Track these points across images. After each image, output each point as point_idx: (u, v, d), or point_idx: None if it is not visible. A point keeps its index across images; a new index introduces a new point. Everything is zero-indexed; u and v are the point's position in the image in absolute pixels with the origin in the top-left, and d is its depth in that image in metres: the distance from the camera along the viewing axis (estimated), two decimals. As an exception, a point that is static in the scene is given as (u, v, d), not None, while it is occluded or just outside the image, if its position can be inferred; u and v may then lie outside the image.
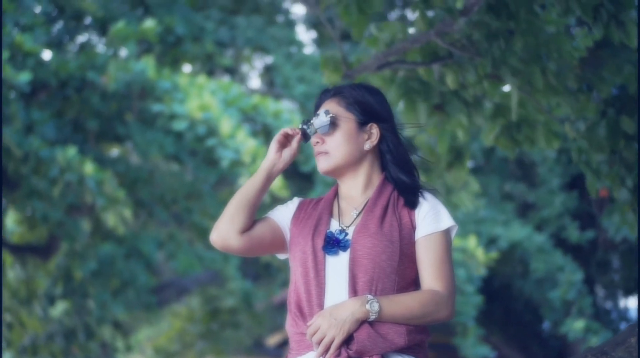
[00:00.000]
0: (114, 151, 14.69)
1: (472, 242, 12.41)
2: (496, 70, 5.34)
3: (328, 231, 3.04)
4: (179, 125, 12.38)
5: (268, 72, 16.41)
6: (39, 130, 12.15)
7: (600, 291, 15.40)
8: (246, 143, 11.57)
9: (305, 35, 17.15)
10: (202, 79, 12.91)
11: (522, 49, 5.42)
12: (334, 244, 3.00)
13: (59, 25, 13.69)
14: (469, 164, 15.08)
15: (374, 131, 3.11)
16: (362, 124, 3.11)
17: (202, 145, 12.40)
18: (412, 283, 3.01)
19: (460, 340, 12.57)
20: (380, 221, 2.99)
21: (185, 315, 17.15)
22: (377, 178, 3.13)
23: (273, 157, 3.15)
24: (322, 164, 3.13)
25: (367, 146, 3.10)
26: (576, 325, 13.09)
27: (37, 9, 12.87)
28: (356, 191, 3.12)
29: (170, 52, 14.56)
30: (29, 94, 12.27)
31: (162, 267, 16.10)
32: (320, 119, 3.10)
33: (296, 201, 3.22)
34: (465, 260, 12.40)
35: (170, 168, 13.60)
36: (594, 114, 5.65)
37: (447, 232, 3.03)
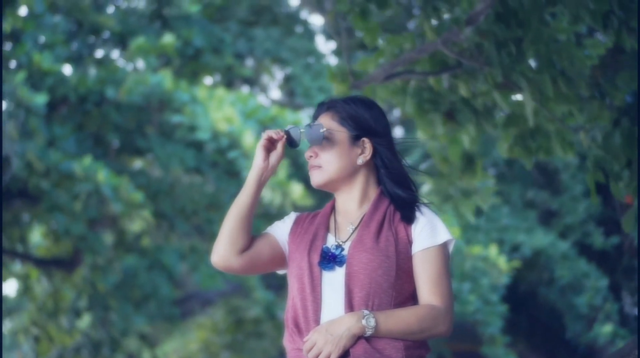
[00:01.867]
0: (136, 164, 14.75)
1: (493, 251, 12.36)
2: (507, 79, 5.32)
3: (324, 246, 3.02)
4: (203, 135, 12.40)
5: (288, 83, 16.43)
6: (60, 145, 12.22)
7: (626, 298, 15.28)
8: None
9: (324, 45, 17.17)
10: (220, 91, 12.94)
11: (533, 57, 5.40)
12: (330, 259, 2.98)
13: (78, 41, 13.76)
14: (493, 171, 15.07)
15: (367, 145, 3.10)
16: (355, 138, 3.09)
17: (223, 157, 12.44)
18: (409, 298, 2.99)
19: (488, 349, 12.51)
20: (376, 236, 2.98)
21: (210, 326, 17.15)
22: (373, 192, 3.11)
23: (261, 164, 3.13)
24: (315, 178, 3.12)
25: (360, 160, 3.09)
26: (604, 330, 13.00)
27: (57, 27, 12.95)
28: (352, 205, 3.10)
29: (189, 64, 14.62)
30: (50, 109, 12.35)
31: (185, 279, 16.13)
32: (314, 133, 3.08)
33: (293, 215, 3.21)
34: (487, 269, 12.35)
35: (191, 179, 13.64)
36: (608, 121, 5.61)
37: (444, 246, 3.01)
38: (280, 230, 3.18)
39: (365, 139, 3.10)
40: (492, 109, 6.01)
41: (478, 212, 13.44)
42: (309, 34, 16.36)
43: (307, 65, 14.97)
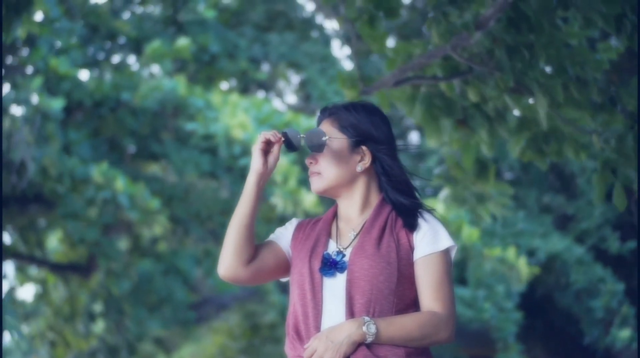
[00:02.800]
0: (152, 170, 14.78)
1: (511, 253, 12.31)
2: (518, 84, 5.29)
3: (325, 252, 3.01)
4: (219, 140, 12.41)
5: (303, 88, 16.44)
6: (75, 150, 12.27)
7: (644, 303, 15.20)
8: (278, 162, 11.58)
9: (340, 50, 17.17)
10: (234, 96, 12.95)
11: (545, 62, 5.37)
12: (331, 266, 2.97)
13: (94, 46, 13.82)
14: (509, 175, 15.03)
15: (367, 153, 3.08)
16: (355, 145, 3.08)
17: (237, 163, 12.45)
18: (411, 304, 2.97)
19: (502, 356, 12.47)
20: (378, 243, 2.97)
21: (226, 330, 17.16)
22: (374, 199, 3.10)
23: (261, 168, 3.09)
24: (314, 185, 3.11)
25: (359, 168, 3.08)
26: (622, 335, 12.95)
27: (73, 32, 13.00)
28: (353, 212, 3.10)
29: (204, 69, 14.64)
30: (65, 114, 12.39)
31: (201, 284, 16.15)
32: (315, 140, 3.07)
33: (294, 222, 3.21)
34: (505, 272, 12.30)
35: (206, 184, 13.66)
36: (621, 125, 5.58)
37: (446, 252, 3.00)
38: (284, 237, 3.17)
39: (365, 147, 3.09)
40: (504, 114, 5.98)
41: (494, 216, 13.41)
42: (325, 38, 16.37)
43: (322, 69, 14.97)
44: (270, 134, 3.08)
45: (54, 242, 15.11)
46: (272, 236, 3.19)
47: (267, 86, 16.99)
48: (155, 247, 13.63)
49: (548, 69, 5.45)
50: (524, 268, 12.13)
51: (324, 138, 3.06)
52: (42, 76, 11.73)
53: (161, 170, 14.76)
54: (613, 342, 13.22)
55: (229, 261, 3.06)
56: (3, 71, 12.03)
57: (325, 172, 3.08)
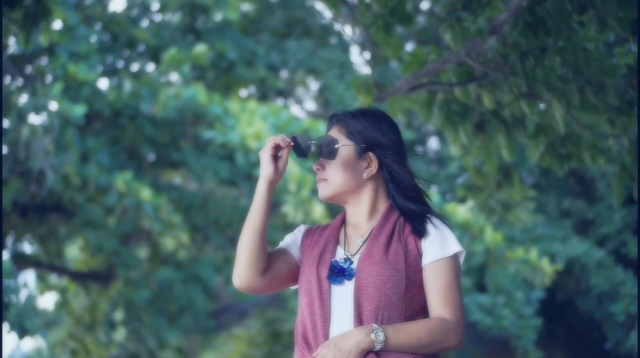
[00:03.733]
0: (170, 178, 14.82)
1: (533, 254, 12.24)
2: (532, 88, 5.27)
3: (333, 259, 3.00)
4: (239, 157, 12.44)
5: (322, 94, 16.44)
6: (94, 158, 12.31)
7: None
8: (291, 170, 11.60)
9: (360, 56, 17.16)
10: (252, 104, 12.97)
11: (560, 66, 5.35)
12: (338, 273, 2.96)
13: (112, 54, 13.87)
14: (530, 180, 14.97)
15: (373, 159, 3.08)
16: (362, 152, 3.08)
17: (255, 170, 12.47)
18: (420, 310, 2.96)
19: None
20: (385, 249, 2.96)
21: (247, 338, 17.16)
22: (382, 205, 3.09)
23: (271, 175, 3.06)
24: (321, 192, 3.10)
25: (366, 174, 3.07)
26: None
27: (92, 38, 13.06)
28: (362, 218, 3.09)
29: (222, 77, 14.67)
30: (84, 123, 12.44)
31: (220, 291, 16.17)
32: (328, 147, 3.06)
33: (302, 228, 3.20)
34: (528, 274, 12.23)
35: (225, 192, 13.68)
36: (637, 127, 5.55)
37: (454, 258, 2.98)
38: (294, 244, 3.16)
39: (372, 154, 3.08)
40: (521, 119, 5.95)
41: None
42: (343, 45, 16.37)
43: (340, 75, 14.96)
44: (279, 139, 3.06)
45: (74, 251, 15.18)
46: (282, 244, 3.18)
47: (286, 92, 17.01)
48: (175, 255, 13.64)
49: (564, 73, 5.42)
50: (547, 269, 12.04)
51: (336, 146, 3.06)
52: (62, 82, 11.79)
53: (181, 178, 14.80)
54: (633, 346, 13.15)
55: (244, 271, 3.04)
56: (21, 79, 12.09)
57: (332, 179, 3.08)
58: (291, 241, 3.17)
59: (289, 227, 11.54)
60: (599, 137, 5.76)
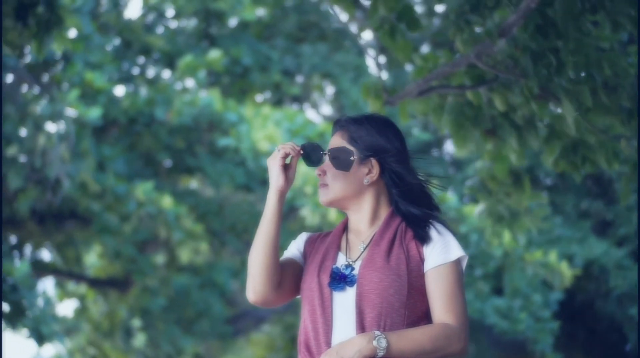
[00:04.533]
0: (186, 184, 14.84)
1: (552, 256, 12.18)
2: (543, 90, 5.23)
3: (334, 266, 2.98)
4: (249, 161, 12.44)
5: (338, 98, 16.43)
6: (110, 166, 12.35)
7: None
8: (308, 173, 11.61)
9: (375, 60, 17.11)
10: (266, 109, 12.98)
11: (572, 68, 5.31)
12: (340, 279, 2.94)
13: (127, 61, 13.92)
14: (548, 181, 14.90)
15: (375, 166, 3.05)
16: (363, 158, 3.05)
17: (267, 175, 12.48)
18: (423, 316, 2.93)
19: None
20: (387, 255, 2.93)
21: (266, 343, 17.17)
22: (384, 211, 3.07)
23: (282, 185, 3.03)
24: (322, 197, 3.08)
25: (366, 181, 3.05)
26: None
27: (107, 46, 13.10)
28: (363, 224, 3.06)
29: (237, 83, 14.69)
30: (100, 130, 12.49)
31: (238, 296, 16.17)
32: (343, 159, 3.04)
33: (304, 236, 3.18)
34: (547, 276, 12.17)
35: (241, 197, 13.69)
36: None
37: (457, 263, 2.95)
38: (299, 253, 3.14)
39: (374, 160, 3.05)
40: (533, 122, 5.91)
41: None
42: (358, 48, 16.35)
43: (355, 79, 14.95)
44: (288, 148, 3.04)
45: (93, 258, 15.23)
46: (287, 253, 3.15)
47: (302, 97, 17.00)
48: (192, 261, 13.66)
49: (575, 75, 5.38)
50: (566, 271, 11.97)
51: (352, 158, 3.04)
52: (79, 89, 11.84)
53: (199, 183, 14.82)
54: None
55: (259, 285, 3.01)
56: (38, 87, 12.13)
57: (332, 184, 3.06)
58: (296, 249, 3.15)
59: (307, 231, 11.49)
60: (612, 140, 5.70)
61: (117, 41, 13.85)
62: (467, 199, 14.23)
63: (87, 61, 12.37)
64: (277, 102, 15.65)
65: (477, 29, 5.15)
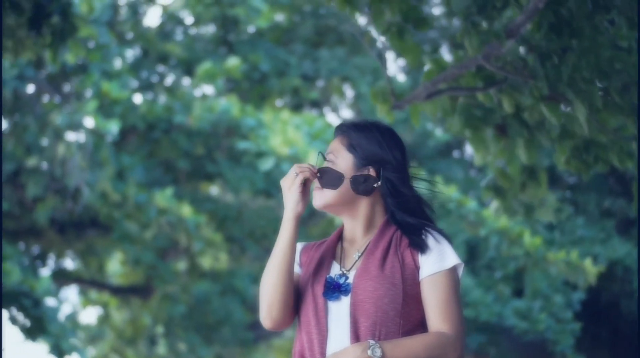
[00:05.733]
0: (208, 190, 14.86)
1: (574, 256, 12.09)
2: (553, 91, 5.18)
3: (328, 276, 2.95)
4: (265, 164, 12.45)
5: (357, 102, 16.41)
6: (129, 174, 12.39)
7: None
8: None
9: (394, 62, 17.10)
10: (285, 114, 12.99)
11: (584, 68, 5.26)
12: (334, 289, 2.91)
13: (145, 70, 13.96)
14: (571, 180, 14.79)
15: (372, 173, 3.01)
16: (361, 166, 3.02)
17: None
18: (419, 325, 2.89)
19: (560, 368, 12.30)
20: (381, 264, 2.90)
21: (287, 349, 17.15)
22: (379, 219, 3.03)
23: (301, 209, 2.99)
24: (315, 201, 3.05)
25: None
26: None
27: (125, 55, 13.14)
28: (358, 232, 3.03)
29: (256, 88, 14.69)
30: (119, 139, 12.53)
31: (258, 302, 16.17)
32: (359, 182, 3.00)
33: (299, 246, 3.14)
34: (570, 275, 12.08)
35: (261, 203, 13.68)
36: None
37: (452, 270, 2.91)
38: (297, 265, 3.10)
39: (371, 168, 3.02)
40: (543, 122, 5.87)
41: (551, 224, 13.20)
42: (376, 51, 16.31)
43: (373, 82, 14.93)
44: (307, 172, 2.98)
45: (115, 265, 15.28)
46: None
47: (321, 101, 16.99)
48: (212, 267, 13.67)
49: (587, 75, 5.32)
50: (590, 269, 11.85)
51: (375, 185, 3.00)
52: (96, 100, 11.88)
53: (219, 189, 14.84)
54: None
55: (276, 312, 2.98)
56: (58, 97, 12.19)
57: (327, 189, 3.03)
58: (297, 263, 3.11)
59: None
60: (625, 140, 5.65)
61: (135, 50, 13.89)
62: (489, 202, 14.16)
63: (105, 70, 12.41)
64: (296, 107, 15.65)
65: (485, 31, 5.10)
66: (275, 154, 12.47)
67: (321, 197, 3.03)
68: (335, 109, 17.69)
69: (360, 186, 3.00)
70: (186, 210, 12.16)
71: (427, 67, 5.73)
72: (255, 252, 13.21)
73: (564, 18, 5.30)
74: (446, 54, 12.99)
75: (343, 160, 3.03)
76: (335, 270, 2.98)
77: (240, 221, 13.05)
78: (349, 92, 16.89)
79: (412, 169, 3.09)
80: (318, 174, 3.01)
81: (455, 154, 16.13)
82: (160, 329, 14.70)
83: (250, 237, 13.09)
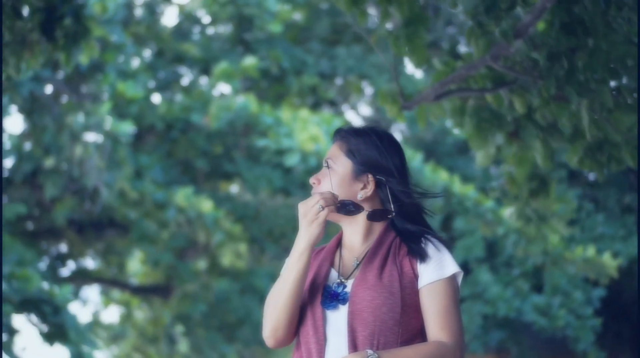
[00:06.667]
0: (227, 189, 14.87)
1: (591, 251, 12.00)
2: (561, 91, 5.14)
3: (326, 284, 2.92)
4: (291, 160, 12.43)
5: (376, 99, 16.37)
6: (147, 174, 12.42)
7: None
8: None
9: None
10: (304, 112, 12.97)
11: (596, 67, 5.21)
12: (332, 298, 2.88)
13: (161, 69, 13.97)
14: (591, 176, 14.69)
15: (370, 181, 2.98)
16: (359, 172, 2.98)
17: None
18: (418, 334, 2.86)
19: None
20: (380, 272, 2.86)
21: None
22: (379, 227, 2.99)
23: (319, 240, 2.92)
24: None
25: (360, 196, 2.97)
26: None
27: (141, 55, 13.16)
28: (357, 239, 2.99)
29: (273, 87, 14.68)
30: (136, 139, 12.57)
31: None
32: (377, 212, 2.98)
33: None
34: (589, 272, 12.00)
35: (280, 201, 13.67)
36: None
37: (452, 279, 2.88)
38: None
39: (370, 175, 2.98)
40: (556, 123, 5.82)
41: (573, 221, 13.10)
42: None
43: (390, 80, 14.88)
44: (331, 200, 2.89)
45: (136, 265, 15.33)
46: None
47: (339, 99, 16.96)
48: (232, 266, 13.68)
49: (600, 75, 5.27)
50: (609, 263, 11.75)
51: (389, 216, 2.97)
52: (111, 101, 11.91)
53: (238, 188, 14.85)
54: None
55: (282, 333, 2.95)
56: (76, 97, 12.23)
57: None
58: None
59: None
60: (638, 139, 5.58)
61: (151, 50, 13.92)
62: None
63: (121, 70, 12.43)
64: (314, 106, 15.62)
65: (492, 31, 5.06)
66: (301, 150, 12.45)
67: None
68: (354, 107, 17.66)
69: (377, 218, 2.97)
70: (206, 205, 12.16)
71: (436, 68, 5.70)
72: (274, 251, 13.20)
73: (577, 16, 5.25)
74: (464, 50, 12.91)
75: (341, 166, 2.99)
76: (333, 278, 2.96)
77: (258, 220, 13.05)
78: (368, 90, 16.85)
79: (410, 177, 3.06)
80: (338, 204, 2.94)
81: (474, 152, 16.08)
82: (180, 328, 14.73)
83: (269, 236, 13.08)
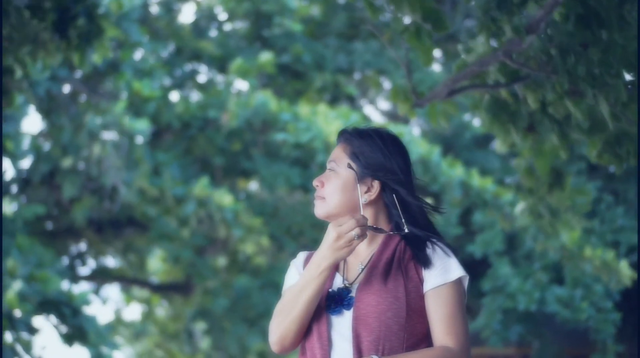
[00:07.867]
0: (245, 187, 14.87)
1: (610, 255, 11.91)
2: (574, 85, 5.09)
3: (330, 289, 2.89)
4: (319, 155, 12.41)
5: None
6: (165, 171, 12.42)
7: None
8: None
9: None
10: (322, 107, 12.95)
11: (611, 60, 5.15)
12: (337, 303, 2.85)
13: (178, 67, 13.97)
14: (611, 168, 14.59)
15: (375, 184, 2.94)
16: (363, 175, 2.94)
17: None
18: (423, 339, 2.83)
19: (598, 356, 12.13)
20: (385, 277, 2.83)
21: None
22: None
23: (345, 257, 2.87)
24: (317, 209, 2.97)
25: (364, 199, 2.93)
26: None
27: (158, 52, 13.16)
28: (361, 244, 2.94)
29: (291, 82, 14.65)
30: (154, 137, 12.57)
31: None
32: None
33: (302, 256, 3.06)
34: (603, 275, 11.93)
35: (299, 198, 13.65)
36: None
37: (457, 283, 2.84)
38: (300, 276, 3.03)
39: (374, 177, 2.95)
40: (571, 116, 5.77)
41: (592, 213, 13.01)
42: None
43: (406, 75, 14.84)
44: (366, 231, 2.82)
45: (156, 263, 15.37)
46: (292, 280, 3.03)
47: (358, 94, 16.91)
48: (252, 262, 13.68)
49: (612, 68, 5.22)
50: (625, 271, 11.67)
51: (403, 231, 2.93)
52: (127, 99, 11.93)
53: (257, 185, 14.86)
54: None
55: (290, 343, 2.91)
56: (94, 97, 12.25)
57: (329, 198, 2.95)
58: (298, 274, 3.03)
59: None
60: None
61: (169, 47, 13.92)
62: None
63: (137, 68, 12.43)
64: (333, 100, 15.59)
65: (504, 26, 5.01)
66: (325, 141, 12.42)
67: (324, 206, 2.96)
68: (372, 102, 17.62)
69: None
70: (226, 199, 12.14)
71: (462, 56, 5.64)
72: (293, 248, 13.18)
73: (592, 9, 5.20)
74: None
75: (345, 169, 2.96)
76: (338, 283, 2.93)
77: (277, 217, 13.04)
78: (386, 84, 16.80)
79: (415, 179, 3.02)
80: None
81: (493, 145, 16.00)
82: (202, 324, 14.75)
83: (288, 233, 13.07)
